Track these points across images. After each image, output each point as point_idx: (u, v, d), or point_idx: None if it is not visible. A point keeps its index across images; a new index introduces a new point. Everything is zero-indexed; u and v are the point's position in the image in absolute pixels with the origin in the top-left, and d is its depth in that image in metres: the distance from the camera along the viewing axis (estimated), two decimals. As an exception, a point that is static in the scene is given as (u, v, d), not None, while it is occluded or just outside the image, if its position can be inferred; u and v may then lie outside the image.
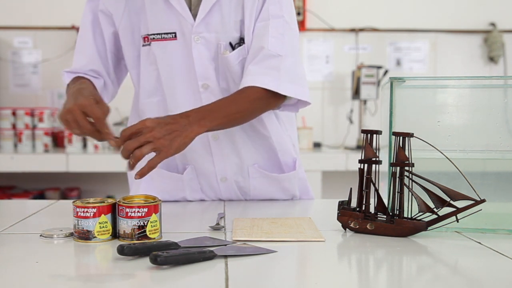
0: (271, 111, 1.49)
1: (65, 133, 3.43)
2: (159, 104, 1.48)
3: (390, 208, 1.11)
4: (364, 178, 1.13)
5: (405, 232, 1.10)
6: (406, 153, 1.09)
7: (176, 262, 0.89)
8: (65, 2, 3.71)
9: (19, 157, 3.29)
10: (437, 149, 1.06)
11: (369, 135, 1.13)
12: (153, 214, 1.06)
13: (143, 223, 1.05)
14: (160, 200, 1.09)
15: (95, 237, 1.05)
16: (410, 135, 1.10)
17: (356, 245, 1.07)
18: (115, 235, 1.08)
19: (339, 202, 1.16)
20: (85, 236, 1.05)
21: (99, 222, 1.05)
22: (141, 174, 1.16)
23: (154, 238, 1.06)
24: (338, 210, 1.15)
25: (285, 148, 1.53)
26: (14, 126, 3.46)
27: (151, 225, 1.05)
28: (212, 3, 1.38)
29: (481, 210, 1.05)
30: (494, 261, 0.97)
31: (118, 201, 1.07)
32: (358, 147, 3.54)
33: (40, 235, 1.10)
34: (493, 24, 3.92)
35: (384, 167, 1.14)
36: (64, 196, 3.67)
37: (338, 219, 1.15)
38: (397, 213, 1.10)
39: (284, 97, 1.41)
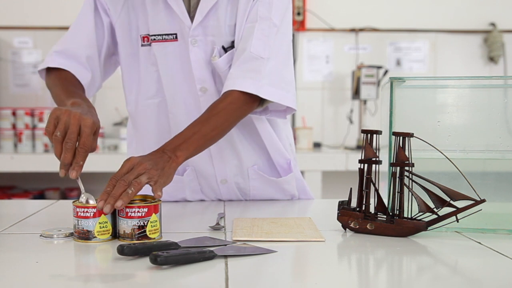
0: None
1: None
2: (159, 105, 1.47)
3: (390, 208, 1.11)
4: (364, 178, 1.13)
5: (405, 232, 1.10)
6: (406, 153, 1.09)
7: (176, 262, 0.89)
8: (65, 2, 3.71)
9: (19, 157, 3.29)
10: (437, 149, 1.06)
11: (369, 135, 1.13)
12: (153, 214, 1.06)
13: (143, 223, 1.05)
14: (160, 200, 1.09)
15: (95, 237, 1.05)
16: (410, 135, 1.10)
17: (356, 245, 1.07)
18: (115, 235, 1.08)
19: (339, 202, 1.16)
20: (85, 236, 1.05)
21: (99, 222, 1.05)
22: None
23: (154, 238, 1.06)
24: (338, 210, 1.15)
25: (278, 151, 1.51)
26: (14, 126, 3.46)
27: (151, 225, 1.05)
28: (209, 7, 1.37)
29: (481, 210, 1.05)
30: (494, 261, 0.97)
31: (118, 201, 1.07)
32: (358, 147, 3.54)
33: (40, 235, 1.10)
34: (493, 24, 3.92)
35: (384, 167, 1.14)
36: (64, 196, 3.67)
37: (338, 219, 1.15)
38: (397, 213, 1.10)
39: (266, 101, 1.38)
